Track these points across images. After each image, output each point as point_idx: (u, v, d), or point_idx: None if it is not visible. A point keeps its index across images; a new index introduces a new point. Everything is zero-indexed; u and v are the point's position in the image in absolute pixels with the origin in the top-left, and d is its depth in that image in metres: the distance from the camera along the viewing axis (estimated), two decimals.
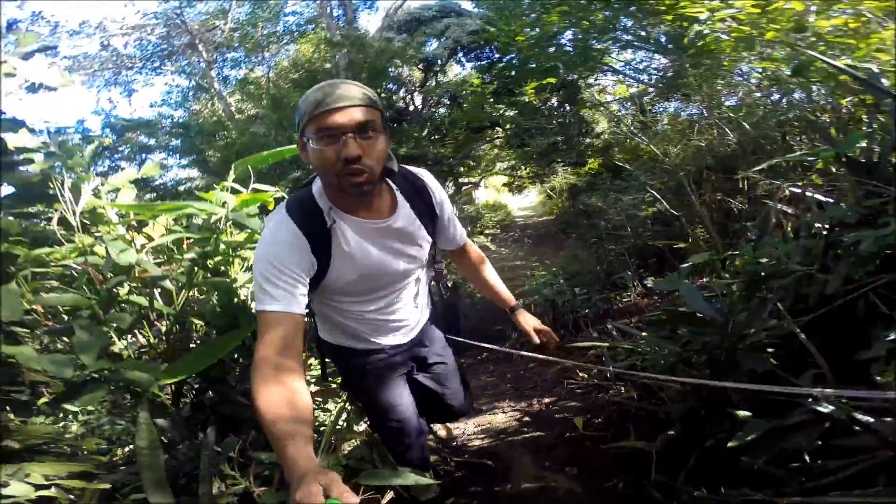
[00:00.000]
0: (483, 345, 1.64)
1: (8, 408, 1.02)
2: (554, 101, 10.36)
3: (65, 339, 1.16)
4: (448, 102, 9.83)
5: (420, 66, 10.63)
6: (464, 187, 12.50)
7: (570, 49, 5.76)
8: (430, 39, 10.57)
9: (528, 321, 1.27)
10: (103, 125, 7.41)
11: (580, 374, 1.98)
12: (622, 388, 1.59)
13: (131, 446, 1.37)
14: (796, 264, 1.37)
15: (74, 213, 1.01)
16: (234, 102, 9.18)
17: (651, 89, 5.59)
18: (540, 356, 1.67)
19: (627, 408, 1.49)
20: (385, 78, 9.08)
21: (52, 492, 0.92)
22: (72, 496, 0.95)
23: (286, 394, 0.75)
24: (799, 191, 1.63)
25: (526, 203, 16.78)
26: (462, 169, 10.55)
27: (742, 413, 0.98)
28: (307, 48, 9.51)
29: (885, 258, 1.11)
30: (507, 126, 10.46)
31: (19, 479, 0.87)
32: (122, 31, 8.50)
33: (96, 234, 1.06)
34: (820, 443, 0.89)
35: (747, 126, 3.20)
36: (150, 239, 1.13)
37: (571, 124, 9.93)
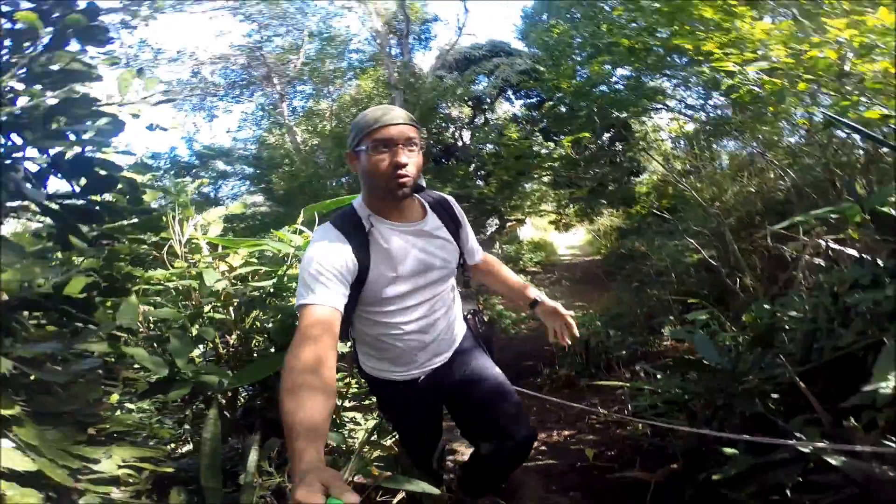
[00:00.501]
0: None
1: (105, 398, 1.32)
2: (605, 137, 10.51)
3: (155, 344, 1.48)
4: (495, 141, 10.26)
5: (469, 103, 11.23)
6: (508, 224, 12.72)
7: (622, 87, 5.94)
8: (479, 78, 11.18)
9: (549, 313, 1.30)
10: (191, 152, 8.45)
11: (601, 410, 2.07)
12: (639, 425, 1.68)
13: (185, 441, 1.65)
14: (809, 320, 1.45)
15: (180, 243, 1.35)
16: (300, 133, 10.20)
17: (705, 127, 5.61)
18: (556, 399, 1.81)
19: (640, 443, 1.57)
20: (435, 115, 9.72)
21: (127, 471, 1.18)
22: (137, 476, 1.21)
23: (309, 389, 0.78)
24: (826, 244, 1.69)
25: (573, 241, 16.66)
26: (506, 207, 10.80)
27: (729, 451, 1.08)
28: (367, 84, 10.46)
29: None
30: (555, 164, 10.67)
31: (107, 457, 1.14)
32: (210, 59, 9.85)
33: (191, 261, 1.39)
34: (801, 479, 0.97)
35: (791, 173, 3.19)
36: (232, 267, 1.44)
37: (621, 164, 9.99)
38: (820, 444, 0.88)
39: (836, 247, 1.77)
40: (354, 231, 1.04)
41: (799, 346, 1.38)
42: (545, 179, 11.40)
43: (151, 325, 1.44)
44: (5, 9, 1.10)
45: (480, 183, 10.06)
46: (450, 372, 1.23)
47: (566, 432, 2.09)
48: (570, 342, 1.28)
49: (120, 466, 1.10)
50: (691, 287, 4.08)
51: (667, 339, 3.46)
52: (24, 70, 1.12)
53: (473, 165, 10.64)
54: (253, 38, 9.35)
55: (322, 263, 0.96)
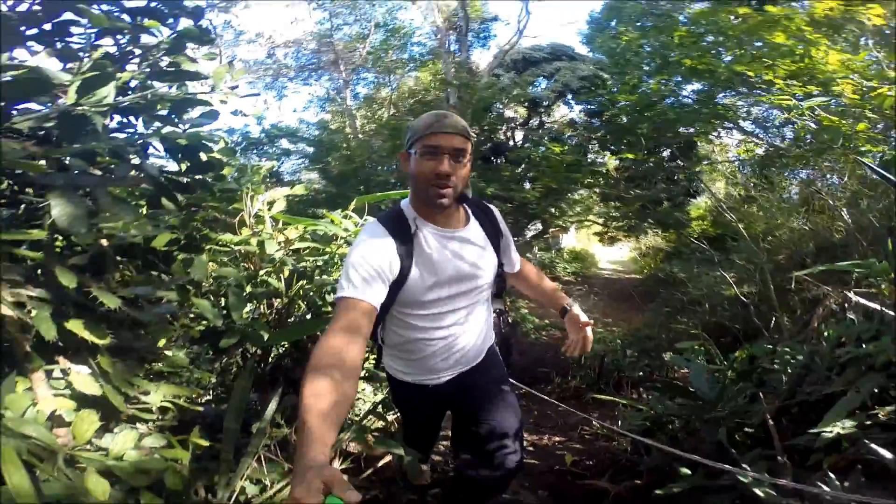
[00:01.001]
0: (515, 382, 1.95)
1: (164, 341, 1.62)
2: (666, 153, 10.21)
3: (212, 297, 1.79)
4: (545, 146, 10.26)
5: (526, 104, 11.25)
6: (551, 229, 12.68)
7: (691, 101, 5.80)
8: (538, 80, 11.16)
9: (574, 322, 1.34)
10: (262, 130, 9.18)
11: (595, 420, 2.21)
12: (623, 441, 1.82)
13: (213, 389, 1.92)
14: (803, 365, 1.54)
15: (249, 215, 1.64)
16: (360, 118, 10.73)
17: (768, 154, 5.39)
18: (554, 401, 1.97)
19: (619, 457, 1.72)
20: (488, 114, 9.87)
21: (167, 404, 1.44)
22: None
23: (331, 385, 0.80)
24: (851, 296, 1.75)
25: (617, 256, 16.31)
26: (550, 213, 10.78)
27: (684, 471, 1.22)
28: (426, 77, 10.80)
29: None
30: (603, 177, 10.50)
31: (154, 391, 1.40)
32: (285, 43, 10.59)
33: (255, 231, 1.68)
34: None
35: (846, 215, 3.09)
36: (289, 240, 1.72)
37: (678, 183, 9.70)
38: (751, 475, 1.01)
39: (860, 300, 1.81)
40: (400, 232, 1.08)
41: (785, 388, 1.48)
42: (596, 189, 11.27)
43: (211, 282, 1.75)
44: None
45: (527, 185, 10.12)
46: (465, 381, 1.25)
47: (557, 438, 2.24)
48: (576, 355, 1.34)
49: (162, 401, 1.29)
50: (724, 320, 4.05)
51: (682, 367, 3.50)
52: (147, 66, 1.43)
53: (522, 167, 10.71)
54: (324, 26, 9.90)
55: (367, 260, 1.00)
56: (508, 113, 11.33)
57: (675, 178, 9.47)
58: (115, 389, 1.04)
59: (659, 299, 5.86)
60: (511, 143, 11.25)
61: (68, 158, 1.10)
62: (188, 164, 1.30)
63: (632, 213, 10.00)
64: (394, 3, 10.48)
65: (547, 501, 1.58)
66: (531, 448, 2.03)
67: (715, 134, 6.22)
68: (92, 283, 1.02)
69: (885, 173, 1.61)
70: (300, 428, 0.72)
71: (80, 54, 1.31)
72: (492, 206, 1.29)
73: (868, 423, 1.08)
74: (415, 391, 1.26)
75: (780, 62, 2.98)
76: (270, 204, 1.78)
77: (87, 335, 0.95)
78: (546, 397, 1.99)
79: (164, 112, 1.40)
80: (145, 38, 1.45)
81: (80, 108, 1.11)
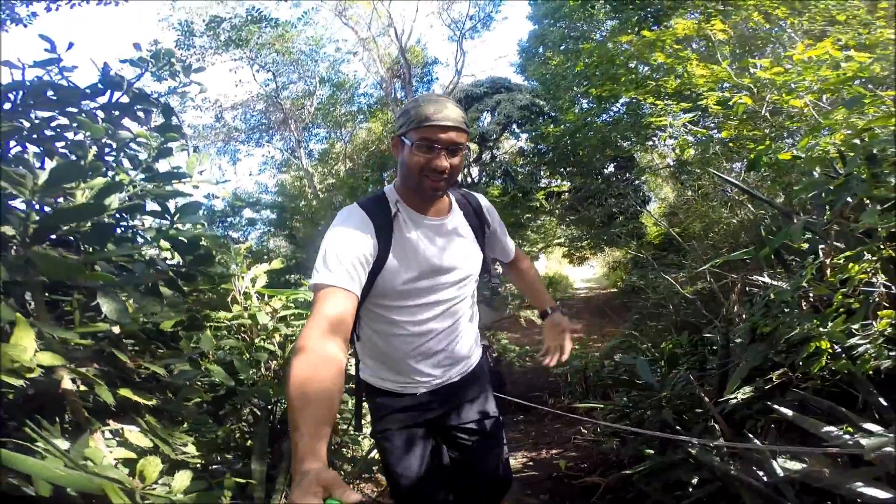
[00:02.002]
0: (521, 401, 2.16)
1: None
2: (611, 167, 11.08)
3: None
4: (501, 177, 10.91)
5: (475, 140, 12.03)
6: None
7: (625, 115, 6.50)
8: (482, 116, 12.00)
9: (554, 327, 1.33)
10: (224, 202, 9.37)
11: (584, 430, 2.51)
12: (612, 441, 2.12)
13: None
14: (721, 346, 1.92)
15: (239, 293, 1.91)
16: (317, 175, 11.11)
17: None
18: (558, 412, 2.24)
19: (609, 456, 2.01)
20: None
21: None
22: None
23: (318, 384, 0.79)
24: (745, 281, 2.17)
25: (589, 275, 17.04)
26: (518, 242, 11.30)
27: (648, 451, 1.53)
28: (377, 126, 11.42)
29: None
30: (563, 198, 11.25)
31: (190, 443, 1.61)
32: (232, 105, 11.00)
33: (245, 307, 1.93)
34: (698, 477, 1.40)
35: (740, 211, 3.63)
36: (275, 310, 1.98)
37: (626, 196, 10.52)
38: (694, 441, 1.34)
39: (759, 279, 2.24)
40: (380, 213, 1.07)
41: (717, 367, 1.84)
42: (554, 213, 11.99)
43: (216, 352, 1.98)
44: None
45: None
46: (452, 402, 1.21)
47: (553, 451, 2.51)
48: (553, 364, 1.31)
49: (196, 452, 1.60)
50: (687, 318, 4.49)
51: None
52: (141, 170, 1.73)
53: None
54: (269, 86, 10.47)
55: (345, 244, 0.98)
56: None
57: (624, 191, 10.29)
58: (163, 441, 1.28)
59: (633, 308, 6.33)
60: (469, 179, 11.91)
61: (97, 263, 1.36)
62: (191, 257, 1.58)
63: (590, 231, 10.70)
64: (335, 57, 11.22)
65: (548, 502, 1.84)
66: (531, 462, 2.28)
67: (650, 143, 6.91)
68: (139, 360, 1.27)
69: (728, 179, 2.08)
70: (293, 431, 0.72)
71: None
72: (478, 196, 1.26)
73: (767, 387, 1.42)
74: (397, 405, 1.18)
75: (664, 80, 3.59)
76: (254, 280, 2.06)
77: (138, 398, 1.20)
78: (551, 410, 2.27)
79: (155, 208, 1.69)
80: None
81: (103, 216, 1.39)
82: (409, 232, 1.09)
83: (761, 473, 1.16)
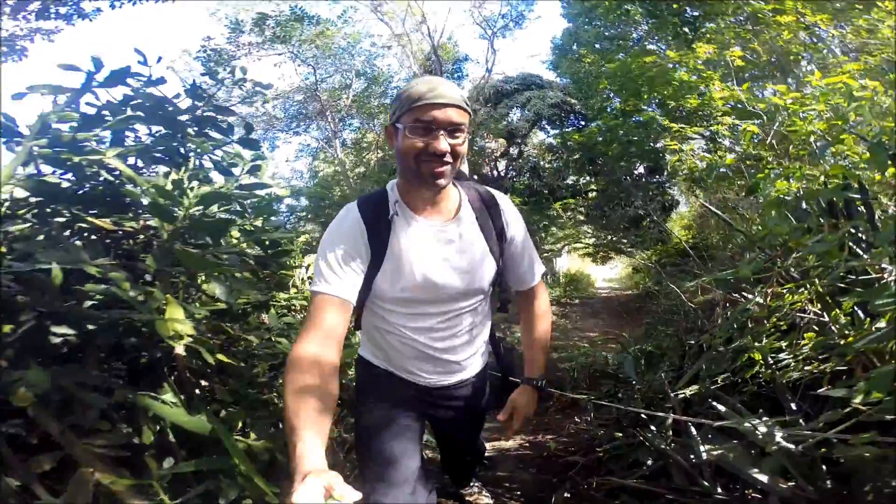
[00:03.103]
0: (553, 391, 2.54)
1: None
2: (640, 168, 11.19)
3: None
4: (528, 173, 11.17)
5: (503, 135, 12.31)
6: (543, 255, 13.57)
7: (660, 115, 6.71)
8: (513, 111, 12.22)
9: (522, 401, 1.25)
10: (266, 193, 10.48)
11: (577, 419, 2.91)
12: (597, 429, 2.52)
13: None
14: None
15: (298, 278, 2.39)
16: (349, 163, 11.73)
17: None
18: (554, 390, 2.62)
19: (591, 440, 2.41)
20: (470, 147, 10.89)
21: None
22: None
23: (313, 387, 0.81)
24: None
25: (611, 274, 17.21)
26: (541, 237, 11.61)
27: (618, 435, 1.92)
28: None
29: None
30: (590, 197, 11.44)
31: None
32: (274, 96, 11.74)
33: (300, 290, 2.42)
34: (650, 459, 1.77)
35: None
36: None
37: (654, 198, 10.66)
38: (649, 412, 1.72)
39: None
40: (376, 216, 1.02)
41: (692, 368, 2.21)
42: (580, 211, 12.20)
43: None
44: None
45: None
46: (445, 405, 1.21)
47: (549, 436, 2.92)
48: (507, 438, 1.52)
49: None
50: (695, 325, 4.78)
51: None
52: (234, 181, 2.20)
53: (508, 196, 11.62)
54: (309, 80, 11.09)
55: (336, 250, 0.97)
56: (489, 145, 12.39)
57: (651, 194, 10.41)
58: (243, 397, 1.75)
59: (648, 313, 6.63)
60: (494, 173, 12.23)
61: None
62: (273, 250, 2.04)
63: (615, 233, 10.90)
64: (371, 52, 11.73)
65: (536, 475, 2.25)
66: (527, 444, 2.70)
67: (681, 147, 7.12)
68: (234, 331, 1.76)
69: (706, 205, 2.41)
70: (291, 434, 0.75)
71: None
72: (497, 194, 1.14)
73: (713, 387, 1.78)
74: (386, 377, 1.18)
75: (684, 100, 3.87)
76: (308, 266, 2.53)
77: (230, 361, 1.67)
78: (570, 395, 2.63)
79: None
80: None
81: (206, 218, 1.86)
82: (405, 238, 1.02)
83: (692, 456, 1.54)
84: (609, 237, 11.83)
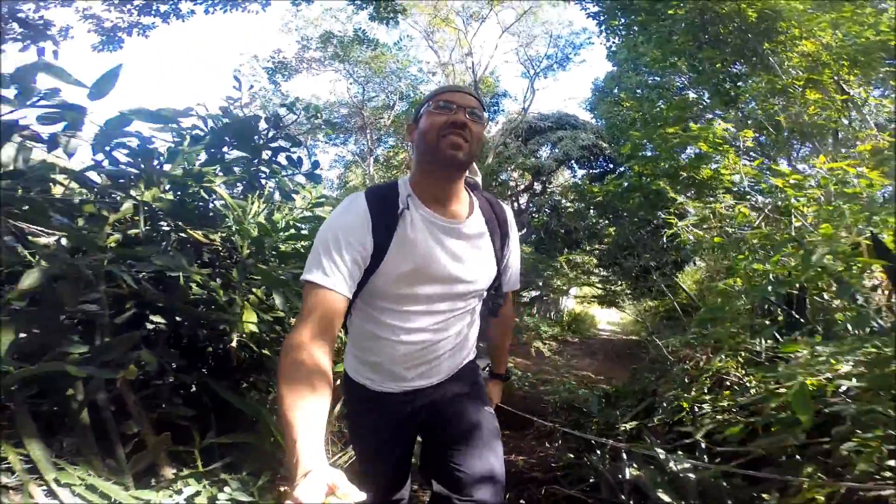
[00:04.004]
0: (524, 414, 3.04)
1: None
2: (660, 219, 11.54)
3: None
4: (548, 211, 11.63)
5: (530, 170, 12.86)
6: (550, 293, 13.91)
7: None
8: (543, 147, 12.80)
9: (495, 392, 1.44)
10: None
11: (548, 444, 3.35)
12: (564, 453, 2.96)
13: None
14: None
15: None
16: (377, 178, 12.45)
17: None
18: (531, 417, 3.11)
19: (558, 460, 2.86)
20: (494, 179, 11.49)
21: None
22: None
23: (310, 383, 0.81)
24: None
25: (616, 318, 17.37)
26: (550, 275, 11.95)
27: (568, 456, 2.39)
28: None
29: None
30: (605, 242, 11.82)
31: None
32: (323, 105, 12.61)
33: None
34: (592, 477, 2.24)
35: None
36: None
37: (666, 251, 10.97)
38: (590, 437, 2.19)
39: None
40: (384, 208, 1.01)
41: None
42: (594, 254, 12.58)
43: None
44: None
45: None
46: (438, 404, 1.17)
47: (521, 457, 3.37)
48: None
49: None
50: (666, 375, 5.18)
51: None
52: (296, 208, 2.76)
53: (524, 231, 12.14)
54: (357, 98, 11.95)
55: (340, 240, 0.96)
56: (515, 177, 12.96)
57: (665, 247, 10.75)
58: None
59: (640, 359, 7.01)
60: (515, 206, 12.75)
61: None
62: None
63: (625, 279, 11.22)
64: (417, 77, 12.56)
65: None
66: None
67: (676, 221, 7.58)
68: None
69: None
70: (288, 428, 0.74)
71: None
72: (504, 205, 1.19)
73: (648, 425, 2.24)
74: (375, 403, 1.16)
75: (696, 172, 4.31)
76: None
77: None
78: (540, 421, 3.11)
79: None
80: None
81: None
82: (416, 232, 1.02)
83: (620, 476, 1.99)
84: (619, 284, 12.19)
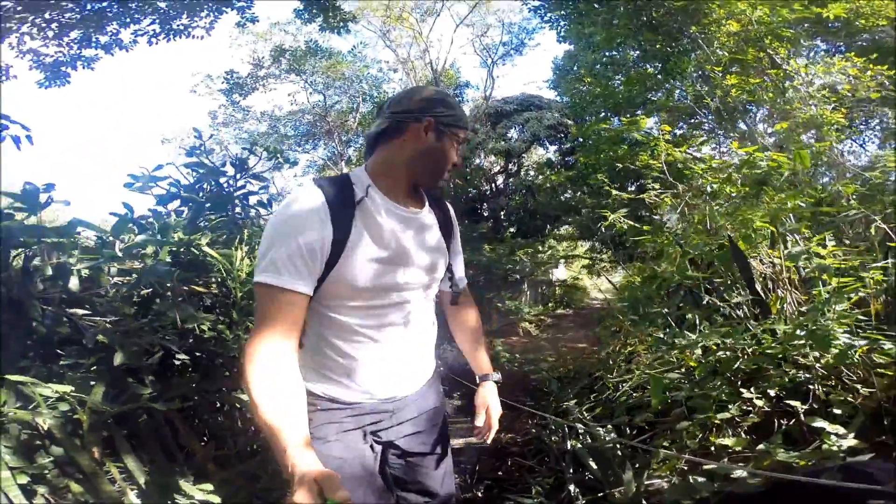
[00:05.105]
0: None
1: None
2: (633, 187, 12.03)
3: None
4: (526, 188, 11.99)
5: (501, 153, 13.19)
6: (542, 266, 14.43)
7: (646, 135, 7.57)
8: (511, 130, 12.92)
9: (490, 400, 1.25)
10: None
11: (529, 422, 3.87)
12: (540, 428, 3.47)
13: None
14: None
15: None
16: None
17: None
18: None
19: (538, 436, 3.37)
20: (468, 164, 11.86)
21: None
22: None
23: (285, 388, 0.81)
24: None
25: (607, 285, 17.93)
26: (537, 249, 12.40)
27: (533, 431, 2.89)
28: None
29: None
30: (583, 213, 12.32)
31: None
32: (285, 115, 12.86)
33: None
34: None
35: None
36: None
37: (641, 217, 11.42)
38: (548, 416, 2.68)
39: None
40: (341, 196, 0.97)
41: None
42: (575, 228, 13.06)
43: None
44: None
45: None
46: (399, 417, 1.12)
47: (509, 435, 3.89)
48: (486, 442, 1.25)
49: None
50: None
51: None
52: None
53: (503, 213, 12.58)
54: (319, 106, 12.21)
55: (295, 234, 0.89)
56: (486, 163, 13.30)
57: (639, 213, 11.24)
58: None
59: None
60: (491, 190, 13.13)
61: None
62: None
63: (605, 248, 11.73)
64: (378, 76, 12.84)
65: (480, 454, 3.21)
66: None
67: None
68: None
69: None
70: (274, 435, 0.75)
71: None
72: (444, 201, 1.21)
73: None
74: (336, 415, 1.04)
75: (630, 161, 4.74)
76: None
77: None
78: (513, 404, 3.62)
79: None
80: None
81: None
82: (378, 221, 1.00)
83: (566, 446, 2.49)
84: (602, 252, 12.67)
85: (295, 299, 0.90)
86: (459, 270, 1.27)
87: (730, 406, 1.65)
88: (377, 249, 1.00)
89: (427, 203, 1.15)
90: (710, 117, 5.97)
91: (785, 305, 2.32)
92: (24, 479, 1.24)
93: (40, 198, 1.98)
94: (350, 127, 12.51)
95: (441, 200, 1.20)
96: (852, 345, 1.50)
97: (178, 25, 7.25)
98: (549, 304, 12.78)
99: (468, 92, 13.90)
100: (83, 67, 7.41)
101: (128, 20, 7.20)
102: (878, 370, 1.60)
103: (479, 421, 1.24)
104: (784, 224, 2.58)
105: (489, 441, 1.26)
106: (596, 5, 6.65)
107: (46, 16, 6.76)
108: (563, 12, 7.11)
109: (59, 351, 1.77)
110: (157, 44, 7.55)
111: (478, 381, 1.30)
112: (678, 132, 7.61)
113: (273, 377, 0.83)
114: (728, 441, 1.57)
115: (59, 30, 6.93)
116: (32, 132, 2.44)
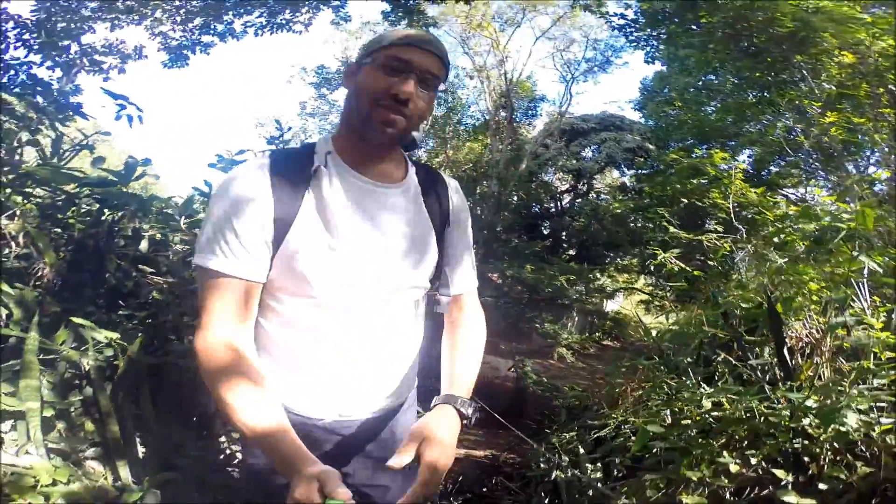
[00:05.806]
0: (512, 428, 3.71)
1: None
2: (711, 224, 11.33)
3: None
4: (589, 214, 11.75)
5: (572, 172, 12.91)
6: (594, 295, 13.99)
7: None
8: (585, 149, 12.44)
9: (435, 432, 0.79)
10: None
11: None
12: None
13: None
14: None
15: None
16: None
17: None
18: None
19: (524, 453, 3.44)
20: (531, 182, 11.87)
21: None
22: None
23: (255, 384, 0.74)
24: None
25: (665, 325, 17.01)
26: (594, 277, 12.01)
27: (531, 454, 2.97)
28: (478, 147, 13.17)
29: None
30: (647, 245, 11.83)
31: None
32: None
33: None
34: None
35: None
36: None
37: (695, 259, 10.68)
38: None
39: None
40: (291, 165, 0.82)
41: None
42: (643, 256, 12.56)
43: None
44: None
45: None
46: (356, 449, 0.90)
47: (510, 454, 3.95)
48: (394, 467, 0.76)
49: None
50: None
51: None
52: None
53: (564, 234, 12.38)
54: None
55: (239, 214, 0.77)
56: (556, 180, 13.10)
57: (694, 256, 10.55)
58: None
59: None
60: (556, 208, 12.92)
61: None
62: None
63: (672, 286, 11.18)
64: (455, 82, 13.15)
65: (474, 468, 3.31)
66: (489, 455, 3.75)
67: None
68: None
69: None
70: (266, 444, 0.72)
71: None
72: (444, 174, 0.98)
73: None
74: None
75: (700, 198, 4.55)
76: None
77: None
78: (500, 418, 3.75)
79: None
80: None
81: None
82: (335, 195, 0.82)
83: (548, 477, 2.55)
84: (665, 290, 12.06)
85: (244, 288, 0.79)
86: (458, 273, 0.98)
87: (703, 466, 1.67)
88: (322, 231, 0.81)
89: (413, 175, 0.92)
90: (799, 156, 5.51)
91: (820, 373, 2.23)
92: (49, 413, 1.47)
93: (136, 171, 2.40)
94: (422, 129, 13.00)
95: (436, 174, 0.97)
96: (870, 422, 1.46)
97: (281, 20, 8.06)
98: (597, 334, 12.38)
99: (543, 106, 13.82)
100: (200, 52, 8.50)
101: (241, 11, 8.09)
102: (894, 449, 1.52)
103: (400, 459, 0.77)
104: (839, 289, 2.44)
105: (396, 466, 0.77)
106: (692, 27, 6.41)
107: (176, 2, 7.77)
108: (651, 32, 6.91)
109: (121, 302, 2.14)
110: (262, 35, 8.47)
111: (432, 403, 0.88)
112: (773, 169, 7.14)
113: (240, 375, 0.75)
114: (689, 500, 1.60)
115: (185, 16, 7.99)
116: (145, 112, 2.94)
